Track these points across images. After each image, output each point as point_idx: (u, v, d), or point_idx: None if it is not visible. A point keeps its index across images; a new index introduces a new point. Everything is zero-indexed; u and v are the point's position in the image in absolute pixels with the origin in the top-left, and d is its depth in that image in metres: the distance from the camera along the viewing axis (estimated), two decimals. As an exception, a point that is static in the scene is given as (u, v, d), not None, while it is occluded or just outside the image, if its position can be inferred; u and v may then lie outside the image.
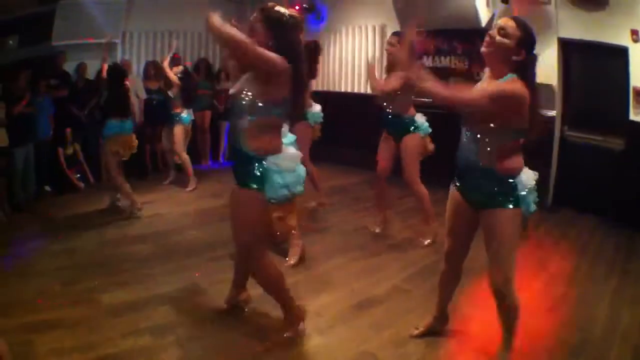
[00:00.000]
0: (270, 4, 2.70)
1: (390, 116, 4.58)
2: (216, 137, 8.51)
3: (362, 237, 4.88)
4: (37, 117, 6.07)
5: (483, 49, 2.45)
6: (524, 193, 2.48)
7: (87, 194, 6.44)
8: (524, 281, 3.40)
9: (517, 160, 2.52)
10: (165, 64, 6.60)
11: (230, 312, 3.33)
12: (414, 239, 4.75)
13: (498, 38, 2.37)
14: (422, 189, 4.58)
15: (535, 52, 2.42)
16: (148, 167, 7.59)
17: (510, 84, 2.34)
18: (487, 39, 2.42)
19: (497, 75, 2.43)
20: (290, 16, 2.69)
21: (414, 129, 4.54)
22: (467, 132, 2.56)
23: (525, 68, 2.38)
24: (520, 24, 2.38)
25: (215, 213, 5.53)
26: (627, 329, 3.23)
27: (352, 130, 7.62)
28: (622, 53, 5.35)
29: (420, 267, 4.16)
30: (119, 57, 7.77)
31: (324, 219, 5.47)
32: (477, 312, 3.26)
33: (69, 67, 7.15)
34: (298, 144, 4.95)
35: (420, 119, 4.58)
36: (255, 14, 2.68)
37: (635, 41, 5.27)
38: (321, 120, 5.15)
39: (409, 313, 3.38)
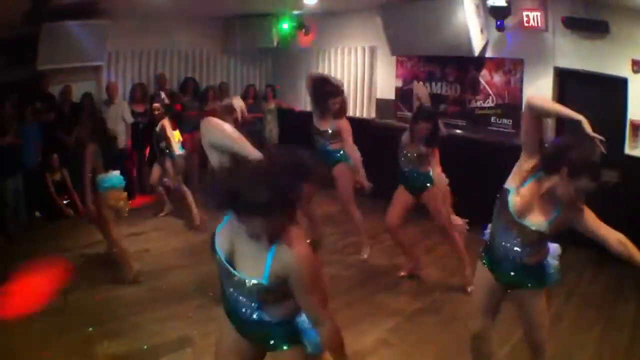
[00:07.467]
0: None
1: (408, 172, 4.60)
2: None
3: (349, 280, 4.84)
4: (24, 146, 6.02)
5: None
6: (552, 271, 2.64)
7: (75, 222, 6.33)
8: (505, 331, 3.48)
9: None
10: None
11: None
12: (399, 282, 4.75)
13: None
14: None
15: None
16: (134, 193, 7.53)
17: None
18: None
19: None
20: None
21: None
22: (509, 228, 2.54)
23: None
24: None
25: (205, 247, 5.37)
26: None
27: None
28: (620, 84, 5.23)
29: (406, 316, 4.21)
30: (104, 79, 7.71)
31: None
32: None
33: (53, 90, 7.11)
34: (341, 188, 5.12)
35: None
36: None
37: (635, 72, 5.15)
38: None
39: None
